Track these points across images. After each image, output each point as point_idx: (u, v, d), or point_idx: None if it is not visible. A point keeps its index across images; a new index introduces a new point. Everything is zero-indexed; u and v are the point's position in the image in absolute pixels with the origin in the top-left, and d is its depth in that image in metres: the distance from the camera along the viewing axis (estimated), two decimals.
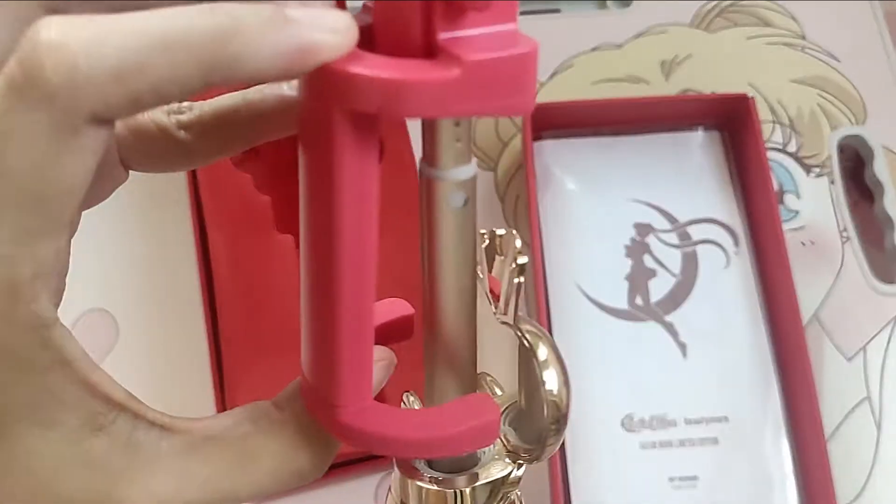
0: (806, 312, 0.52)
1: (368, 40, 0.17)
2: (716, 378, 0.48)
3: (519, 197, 0.55)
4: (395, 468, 0.23)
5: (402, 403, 0.25)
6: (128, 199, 0.54)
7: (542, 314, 0.47)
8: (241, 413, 0.22)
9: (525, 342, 0.21)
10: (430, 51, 0.17)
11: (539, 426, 0.21)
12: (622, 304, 0.49)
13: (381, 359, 0.22)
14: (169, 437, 0.20)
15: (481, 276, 0.22)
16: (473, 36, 0.17)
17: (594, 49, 0.60)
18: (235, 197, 0.45)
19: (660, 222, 0.52)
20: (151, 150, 0.21)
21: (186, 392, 0.49)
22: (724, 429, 0.46)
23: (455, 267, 0.20)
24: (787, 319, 0.47)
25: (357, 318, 0.20)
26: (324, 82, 0.17)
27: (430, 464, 0.23)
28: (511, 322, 0.21)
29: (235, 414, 0.22)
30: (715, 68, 0.60)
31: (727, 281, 0.50)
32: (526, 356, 0.22)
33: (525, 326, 0.21)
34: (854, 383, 0.50)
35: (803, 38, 0.61)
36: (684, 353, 0.48)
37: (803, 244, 0.54)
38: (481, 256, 0.22)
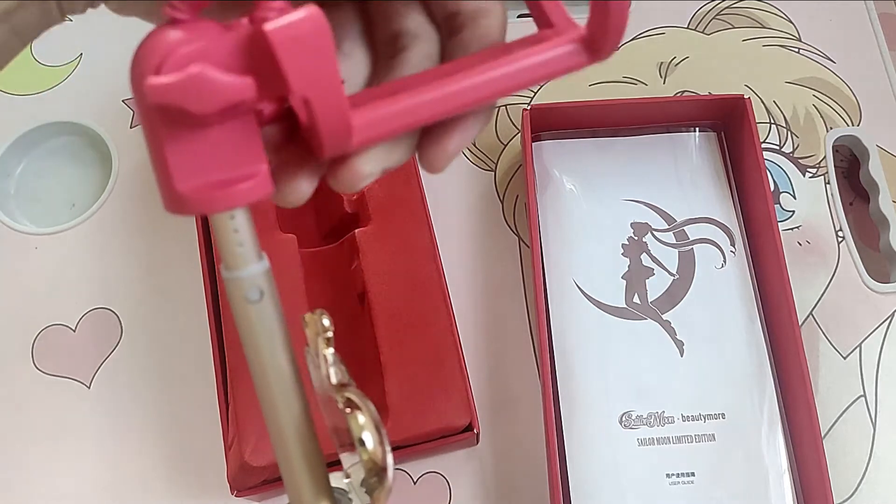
0: (802, 311, 0.52)
1: None
2: (713, 376, 0.48)
3: (518, 197, 0.56)
4: None
5: None
6: (132, 200, 0.55)
7: (542, 312, 0.47)
8: None
9: (343, 408, 0.23)
10: None
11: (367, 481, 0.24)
12: (620, 302, 0.50)
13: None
14: None
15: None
16: None
17: None
18: None
19: (657, 222, 0.52)
20: None
21: (190, 391, 0.49)
22: (721, 426, 0.47)
23: (268, 352, 0.22)
24: (784, 318, 0.48)
25: None
26: None
27: None
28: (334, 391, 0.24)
29: None
30: (711, 70, 0.60)
31: (724, 280, 0.50)
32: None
33: (347, 393, 0.23)
34: (849, 381, 0.51)
35: (798, 39, 0.62)
36: (681, 351, 0.48)
37: (799, 244, 0.55)
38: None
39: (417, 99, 0.21)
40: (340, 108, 0.20)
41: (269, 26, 0.18)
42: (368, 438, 0.22)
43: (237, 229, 0.22)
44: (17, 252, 0.53)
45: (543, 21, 0.24)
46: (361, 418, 0.23)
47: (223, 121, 0.20)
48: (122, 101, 0.57)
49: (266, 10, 0.19)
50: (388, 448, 0.22)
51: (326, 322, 0.24)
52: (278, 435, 0.23)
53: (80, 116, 0.57)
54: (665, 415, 0.47)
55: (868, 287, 0.53)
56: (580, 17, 0.22)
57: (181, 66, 0.19)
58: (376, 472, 0.22)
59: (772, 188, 0.55)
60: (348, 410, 0.23)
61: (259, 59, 0.19)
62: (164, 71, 0.19)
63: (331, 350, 0.24)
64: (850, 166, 0.59)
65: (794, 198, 0.56)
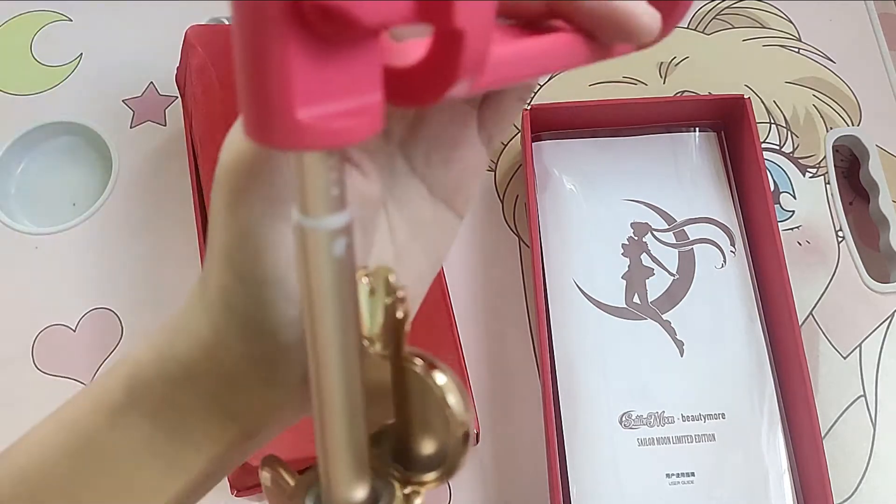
0: (802, 311, 0.52)
1: None
2: (713, 376, 0.48)
3: (518, 197, 0.56)
4: None
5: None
6: (132, 200, 0.55)
7: (542, 312, 0.47)
8: None
9: (417, 372, 0.21)
10: None
11: (441, 448, 0.21)
12: (620, 302, 0.50)
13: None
14: None
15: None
16: None
17: None
18: None
19: (657, 222, 0.52)
20: None
21: None
22: (721, 426, 0.47)
23: (342, 318, 0.19)
24: (784, 318, 0.48)
25: None
26: None
27: None
28: (391, 356, 0.21)
29: None
30: (711, 70, 0.60)
31: (724, 280, 0.50)
32: (411, 386, 0.21)
33: (417, 359, 0.21)
34: (850, 381, 0.51)
35: (799, 39, 0.62)
36: (681, 352, 0.48)
37: (799, 244, 0.55)
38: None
39: (533, 50, 0.20)
40: (487, 46, 0.17)
41: None
42: (455, 400, 0.20)
43: (334, 167, 0.18)
44: (17, 252, 0.53)
45: None
46: (442, 378, 0.20)
47: (354, 39, 0.17)
48: (122, 100, 0.57)
49: None
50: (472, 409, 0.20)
51: (394, 279, 0.20)
52: (330, 412, 0.20)
53: (80, 116, 0.57)
54: (665, 415, 0.47)
55: (868, 287, 0.53)
56: None
57: None
58: (465, 434, 0.20)
59: (772, 188, 0.55)
60: (419, 367, 0.20)
61: None
62: None
63: (402, 312, 0.20)
64: (850, 166, 0.59)
65: (794, 198, 0.56)
